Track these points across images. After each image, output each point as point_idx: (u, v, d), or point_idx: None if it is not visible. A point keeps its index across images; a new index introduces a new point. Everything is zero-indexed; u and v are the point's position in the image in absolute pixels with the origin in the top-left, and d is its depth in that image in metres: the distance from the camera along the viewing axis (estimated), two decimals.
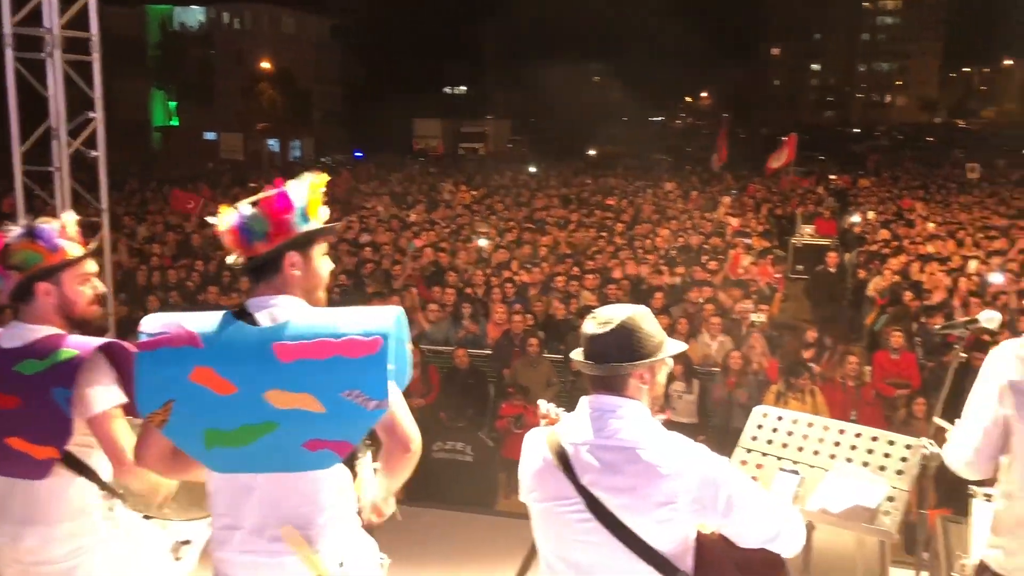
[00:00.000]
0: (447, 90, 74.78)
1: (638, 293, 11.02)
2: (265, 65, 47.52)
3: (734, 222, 16.87)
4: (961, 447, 2.72)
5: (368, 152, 42.85)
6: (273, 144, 47.65)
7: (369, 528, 2.51)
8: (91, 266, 2.81)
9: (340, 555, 2.33)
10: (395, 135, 48.45)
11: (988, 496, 2.80)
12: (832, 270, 12.84)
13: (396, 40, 60.26)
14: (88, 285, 2.79)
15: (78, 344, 2.64)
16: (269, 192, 2.34)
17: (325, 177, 2.44)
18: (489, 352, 9.31)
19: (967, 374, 7.90)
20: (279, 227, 2.32)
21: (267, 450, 2.20)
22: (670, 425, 8.47)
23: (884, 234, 15.16)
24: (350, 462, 2.41)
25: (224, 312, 2.31)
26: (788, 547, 2.21)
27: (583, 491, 2.14)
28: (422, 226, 15.68)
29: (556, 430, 2.28)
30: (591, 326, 2.24)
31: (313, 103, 50.47)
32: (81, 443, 2.67)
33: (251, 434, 2.19)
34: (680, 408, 8.20)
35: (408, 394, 8.64)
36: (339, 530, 2.36)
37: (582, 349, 2.27)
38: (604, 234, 15.29)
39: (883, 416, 7.89)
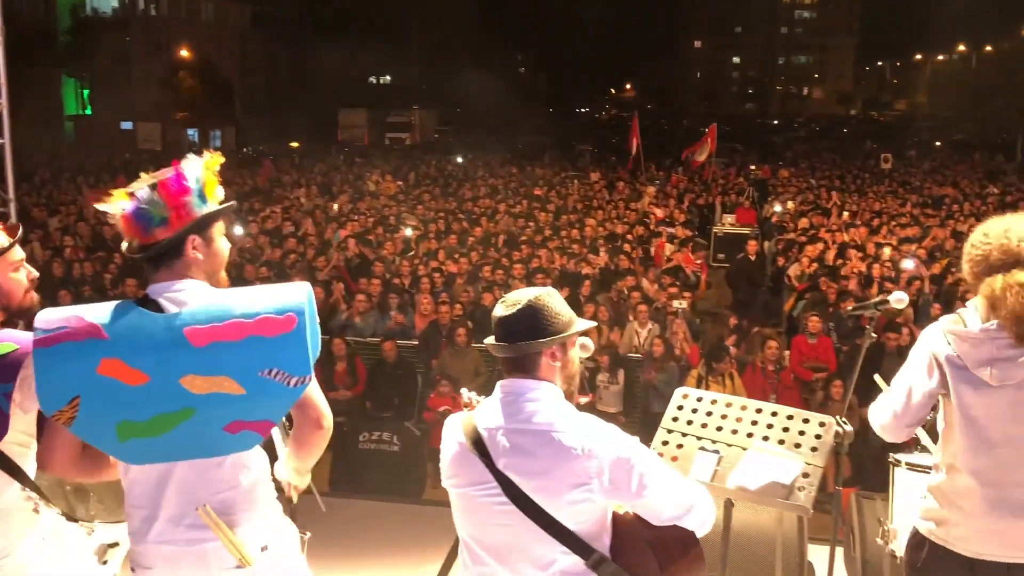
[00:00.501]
0: (372, 80, 73.94)
1: (565, 282, 11.11)
2: (184, 53, 46.25)
3: (658, 212, 17.16)
4: (883, 410, 2.81)
5: (291, 142, 42.15)
6: (193, 134, 46.45)
7: (292, 516, 2.48)
8: (19, 253, 2.67)
9: (262, 539, 2.30)
10: (319, 125, 47.73)
11: (911, 466, 2.89)
12: (752, 258, 13.14)
13: (320, 29, 59.29)
14: (21, 272, 2.66)
15: (15, 338, 2.51)
16: (164, 174, 2.26)
17: (220, 157, 2.35)
18: (416, 343, 9.26)
19: (880, 355, 8.17)
20: (179, 211, 2.25)
21: (185, 437, 2.16)
22: (596, 415, 8.56)
23: (802, 223, 15.58)
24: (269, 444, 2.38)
25: (125, 301, 2.23)
26: (700, 524, 2.25)
27: (499, 475, 2.15)
28: (347, 217, 15.51)
29: (472, 415, 2.28)
30: (500, 309, 2.26)
31: (234, 92, 49.34)
32: (14, 441, 2.54)
33: (167, 422, 2.14)
34: (606, 398, 8.29)
35: (334, 386, 8.53)
36: (261, 514, 2.33)
37: (493, 333, 2.28)
38: (531, 224, 15.35)
39: (801, 399, 8.13)
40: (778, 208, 17.99)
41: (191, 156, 2.32)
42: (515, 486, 2.13)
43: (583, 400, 2.39)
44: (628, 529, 2.22)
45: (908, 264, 10.98)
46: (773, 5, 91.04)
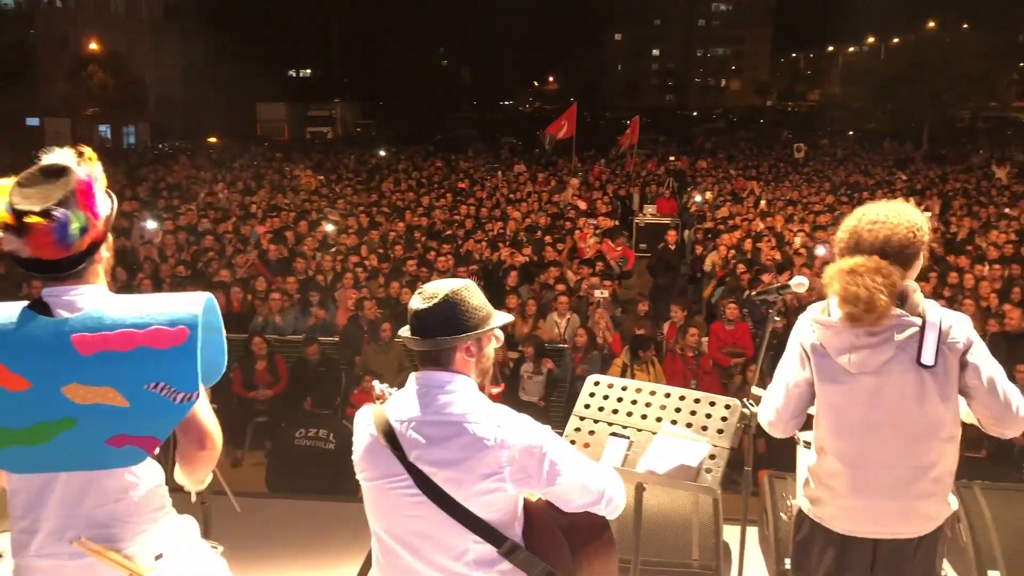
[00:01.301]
0: (292, 73, 72.65)
1: (489, 274, 11.14)
2: (93, 46, 44.62)
3: (581, 203, 17.32)
4: (766, 407, 2.90)
5: (208, 138, 41.15)
6: (105, 130, 44.92)
7: (206, 521, 2.42)
8: None
9: (156, 548, 2.24)
10: (237, 120, 46.69)
11: (807, 443, 3.00)
12: (672, 247, 13.39)
13: (236, 21, 57.91)
14: None
15: None
16: (72, 180, 2.10)
17: (93, 153, 2.21)
18: (338, 339, 9.17)
19: (785, 338, 8.39)
20: (95, 217, 2.15)
21: (66, 448, 2.07)
22: (519, 405, 8.57)
23: (721, 212, 15.92)
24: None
25: (15, 304, 2.14)
26: (611, 509, 2.29)
27: (410, 467, 2.14)
28: (266, 213, 15.23)
29: (384, 408, 2.27)
30: (417, 301, 2.24)
31: (148, 87, 47.84)
32: None
33: (47, 431, 2.05)
34: (530, 388, 8.34)
35: (255, 385, 8.34)
36: (152, 525, 2.26)
37: (409, 325, 2.26)
38: (456, 217, 15.32)
39: (720, 384, 8.33)
40: (697, 198, 18.35)
41: (58, 150, 2.17)
42: (427, 478, 2.13)
43: (495, 390, 2.39)
44: (540, 516, 2.24)
45: (821, 250, 11.32)
46: None
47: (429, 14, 73.59)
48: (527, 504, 2.27)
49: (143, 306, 2.10)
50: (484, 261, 11.68)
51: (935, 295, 9.46)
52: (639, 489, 2.90)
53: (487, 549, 2.15)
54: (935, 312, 2.66)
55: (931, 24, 46.90)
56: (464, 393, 2.20)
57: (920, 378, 2.62)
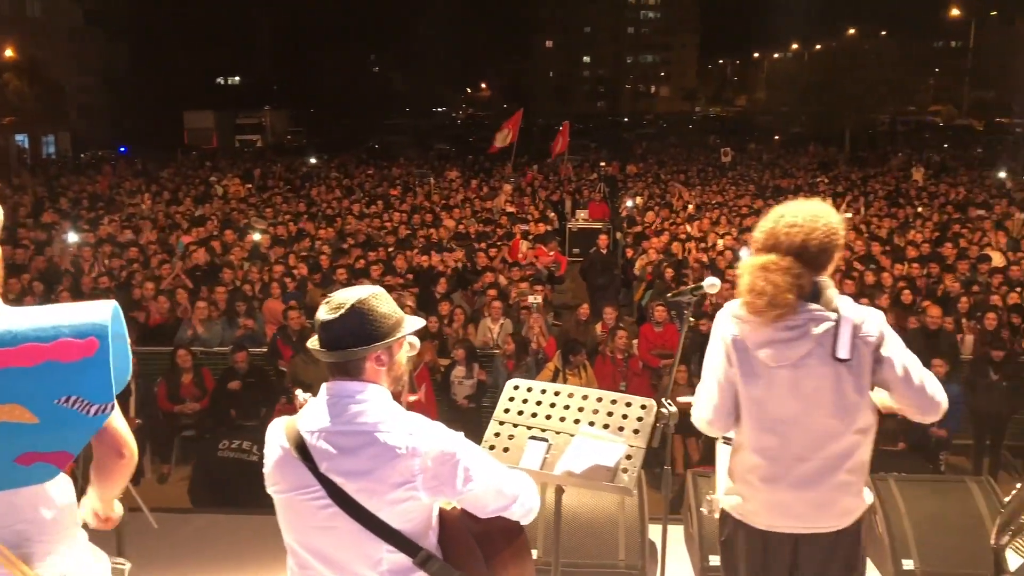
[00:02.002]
0: (220, 80, 71.32)
1: (421, 281, 11.09)
2: (8, 53, 43.14)
3: (513, 209, 17.39)
4: (701, 406, 2.92)
5: (134, 147, 40.09)
6: (22, 140, 43.43)
7: (119, 539, 2.35)
8: None
9: (60, 571, 2.15)
10: (164, 128, 45.60)
11: (726, 440, 3.05)
12: (604, 251, 13.53)
13: (161, 27, 56.56)
14: None
15: None
16: None
17: None
18: (266, 350, 9.03)
19: (700, 339, 8.55)
20: None
21: None
22: (451, 411, 8.50)
23: (649, 216, 16.14)
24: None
25: None
26: (525, 513, 2.30)
27: (322, 478, 2.12)
28: (192, 222, 14.91)
29: (295, 419, 2.24)
30: (324, 312, 2.21)
31: (68, 95, 46.43)
32: None
33: None
34: (461, 393, 8.33)
35: (182, 399, 8.13)
36: (62, 546, 2.18)
37: (317, 336, 2.23)
38: (388, 224, 15.22)
39: (650, 385, 8.43)
40: (628, 203, 18.57)
41: None
42: (339, 488, 2.10)
43: (412, 398, 2.39)
44: (454, 524, 2.24)
45: (745, 253, 11.55)
46: (619, 6, 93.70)
47: (360, 21, 73.02)
48: (442, 513, 2.26)
49: (47, 318, 2.01)
50: (416, 268, 11.62)
51: (859, 293, 9.75)
52: (559, 491, 2.92)
53: (401, 559, 2.13)
54: (849, 307, 2.73)
55: (851, 31, 48.44)
56: (375, 402, 2.18)
57: (836, 372, 2.69)
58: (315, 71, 64.64)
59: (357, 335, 2.16)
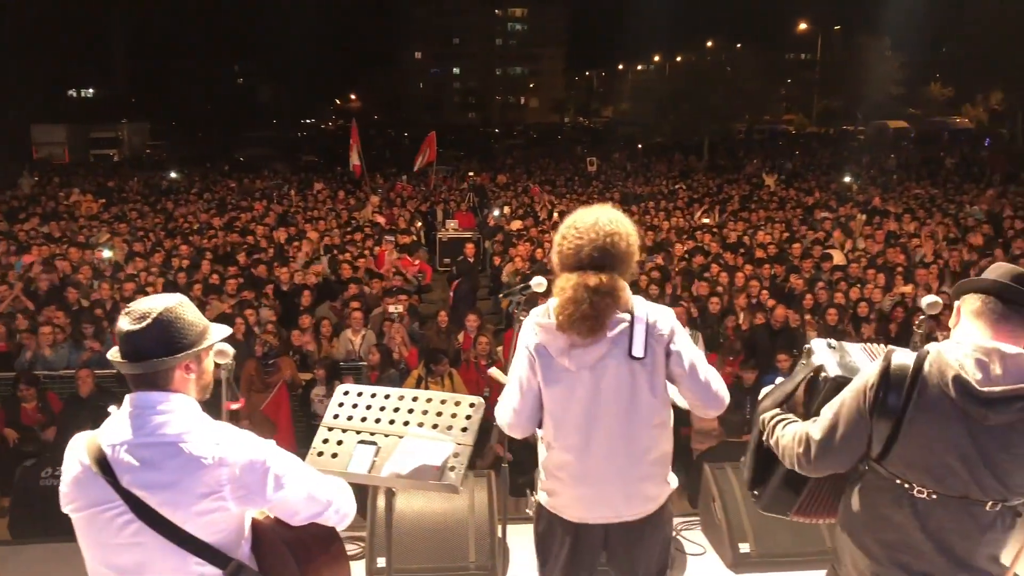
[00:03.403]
0: (72, 93, 67.72)
1: (284, 294, 10.85)
2: None
3: (381, 219, 17.25)
4: (503, 410, 3.00)
5: None
6: None
7: None
8: None
9: None
10: (9, 144, 42.90)
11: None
12: (471, 260, 13.60)
13: (5, 36, 53.23)
14: None
15: None
16: None
17: None
18: (115, 372, 8.60)
19: None
20: None
21: None
22: (311, 429, 8.28)
23: (515, 224, 16.32)
24: None
25: None
26: (340, 518, 2.29)
27: (124, 492, 2.04)
28: (33, 240, 14.08)
29: (95, 433, 2.15)
30: (126, 323, 2.13)
31: None
32: None
33: None
34: (321, 411, 8.14)
35: (28, 428, 7.62)
36: None
37: (118, 348, 2.15)
38: (249, 239, 14.80)
39: None
40: (496, 212, 18.73)
41: None
42: (141, 502, 2.04)
43: (234, 407, 2.32)
44: (267, 533, 2.20)
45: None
46: (488, 18, 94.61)
47: (222, 31, 70.82)
48: (255, 522, 2.22)
49: None
50: (276, 281, 11.35)
51: (711, 293, 10.16)
52: (389, 494, 2.91)
53: (211, 572, 2.08)
54: (642, 307, 2.85)
55: (709, 43, 50.48)
56: (180, 412, 2.12)
57: (632, 370, 2.80)
58: (176, 82, 62.34)
59: (163, 344, 2.11)
